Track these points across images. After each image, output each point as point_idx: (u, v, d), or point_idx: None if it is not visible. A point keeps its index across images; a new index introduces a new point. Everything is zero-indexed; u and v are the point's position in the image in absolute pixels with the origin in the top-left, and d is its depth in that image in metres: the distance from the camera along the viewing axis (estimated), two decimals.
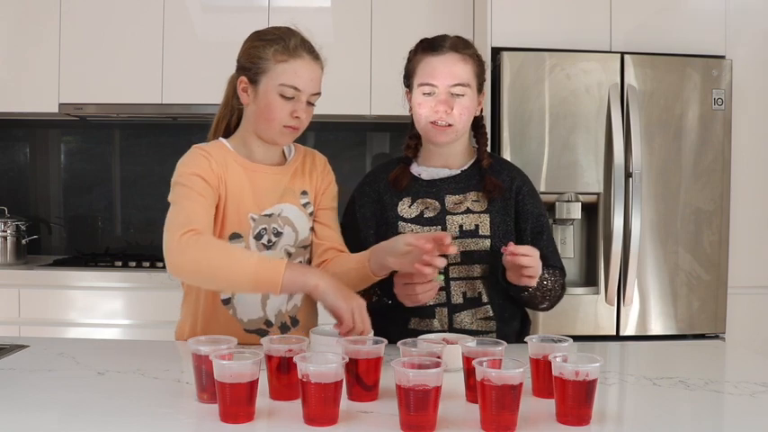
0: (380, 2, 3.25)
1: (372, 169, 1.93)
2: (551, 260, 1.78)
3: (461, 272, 1.75)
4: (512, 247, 1.58)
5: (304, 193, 1.73)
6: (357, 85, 3.18)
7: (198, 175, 1.58)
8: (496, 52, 2.82)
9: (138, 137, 3.68)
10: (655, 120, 2.79)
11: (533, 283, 1.62)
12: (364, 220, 1.82)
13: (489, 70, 2.85)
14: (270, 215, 1.67)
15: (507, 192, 1.79)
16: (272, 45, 1.61)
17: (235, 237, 1.64)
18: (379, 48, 3.22)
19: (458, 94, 1.71)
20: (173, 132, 3.64)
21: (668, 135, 2.80)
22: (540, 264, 1.61)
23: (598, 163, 2.78)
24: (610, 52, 2.83)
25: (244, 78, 1.64)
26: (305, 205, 1.73)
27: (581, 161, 2.77)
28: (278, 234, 1.67)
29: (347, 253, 1.72)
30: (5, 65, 3.27)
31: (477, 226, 1.75)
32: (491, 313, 1.75)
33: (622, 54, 2.79)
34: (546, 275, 1.73)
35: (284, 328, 1.71)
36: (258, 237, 1.65)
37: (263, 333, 1.67)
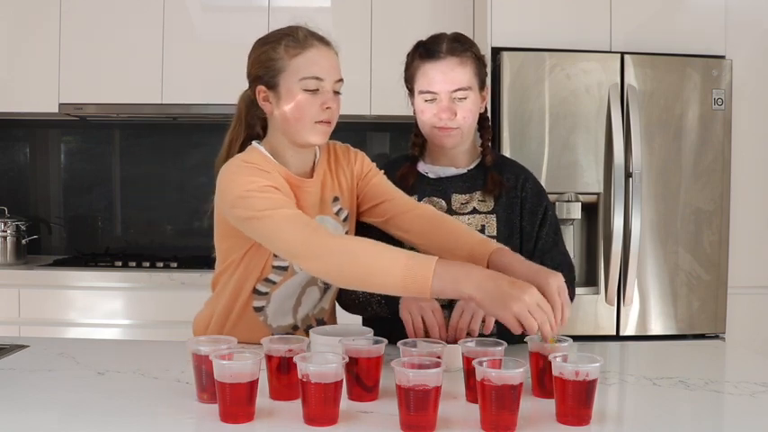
0: (380, 2, 3.25)
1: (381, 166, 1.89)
2: (549, 253, 1.74)
3: None
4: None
5: (335, 199, 1.64)
6: (357, 85, 3.17)
7: (270, 186, 1.45)
8: (496, 52, 2.81)
9: (138, 137, 3.68)
10: (655, 120, 2.79)
11: (489, 329, 1.56)
12: None
13: (489, 67, 2.85)
14: None
15: (513, 190, 1.78)
16: (280, 43, 1.51)
17: None
18: (379, 48, 3.22)
19: (460, 98, 1.70)
20: (173, 132, 3.64)
21: (668, 135, 2.80)
22: (477, 316, 1.56)
23: (598, 163, 2.78)
24: (610, 52, 2.83)
25: (261, 87, 1.53)
26: (338, 213, 1.65)
27: (581, 161, 2.77)
28: None
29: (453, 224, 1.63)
30: (5, 65, 3.27)
31: (483, 227, 1.75)
32: None
33: (622, 54, 2.79)
34: None
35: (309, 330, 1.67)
36: None
37: None
